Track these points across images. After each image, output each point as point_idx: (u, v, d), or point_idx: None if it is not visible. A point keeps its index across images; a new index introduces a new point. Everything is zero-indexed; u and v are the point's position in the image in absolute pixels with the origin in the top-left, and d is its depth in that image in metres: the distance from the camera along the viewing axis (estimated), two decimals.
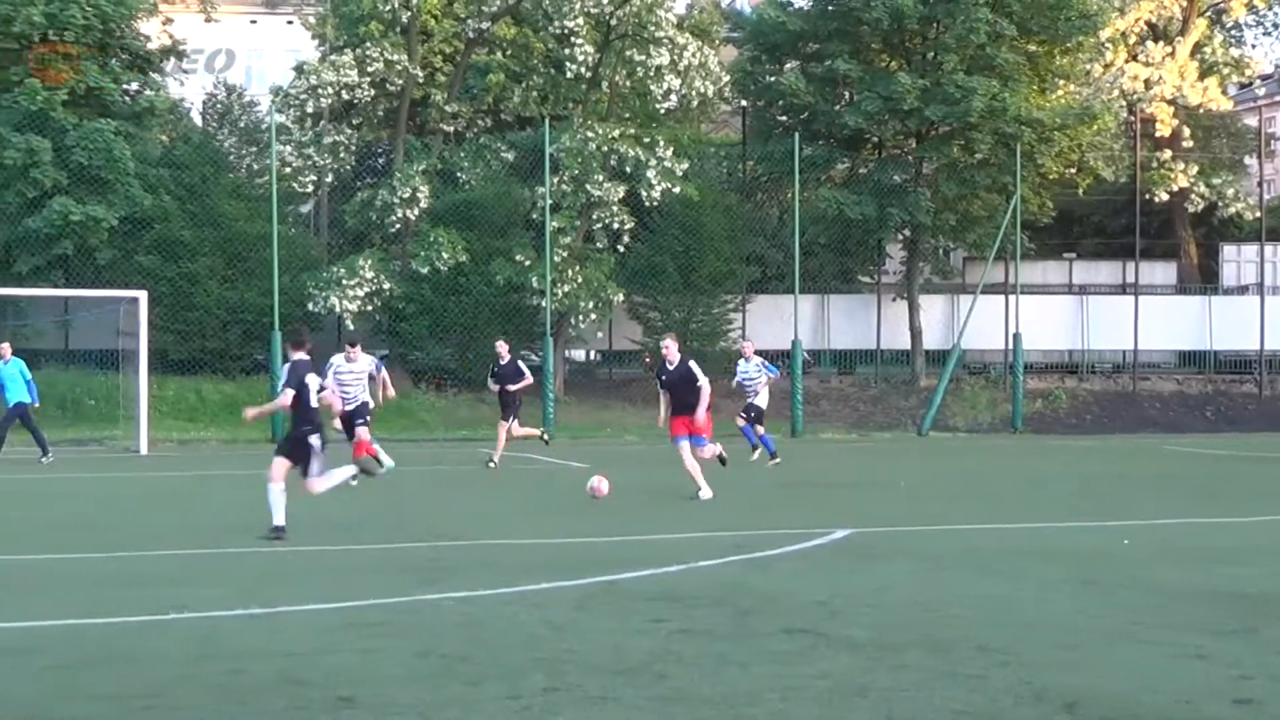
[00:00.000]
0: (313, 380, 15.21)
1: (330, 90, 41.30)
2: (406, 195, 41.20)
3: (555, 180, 40.34)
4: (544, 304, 39.51)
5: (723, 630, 9.73)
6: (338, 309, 39.94)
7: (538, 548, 14.50)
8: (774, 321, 44.35)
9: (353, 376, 22.50)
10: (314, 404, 15.20)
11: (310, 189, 44.38)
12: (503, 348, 26.79)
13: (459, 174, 43.52)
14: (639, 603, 10.86)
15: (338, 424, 22.72)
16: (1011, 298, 44.39)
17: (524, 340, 42.98)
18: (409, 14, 41.84)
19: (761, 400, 27.53)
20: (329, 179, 44.14)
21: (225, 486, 22.87)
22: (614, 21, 41.75)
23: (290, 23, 50.22)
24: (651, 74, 42.07)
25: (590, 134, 41.01)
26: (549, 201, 39.73)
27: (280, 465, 15.01)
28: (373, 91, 41.89)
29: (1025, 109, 43.34)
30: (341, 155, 42.71)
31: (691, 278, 43.71)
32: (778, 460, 26.91)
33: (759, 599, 11.03)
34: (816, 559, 13.67)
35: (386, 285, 40.82)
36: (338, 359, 22.49)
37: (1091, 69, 48.78)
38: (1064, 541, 15.26)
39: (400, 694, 7.79)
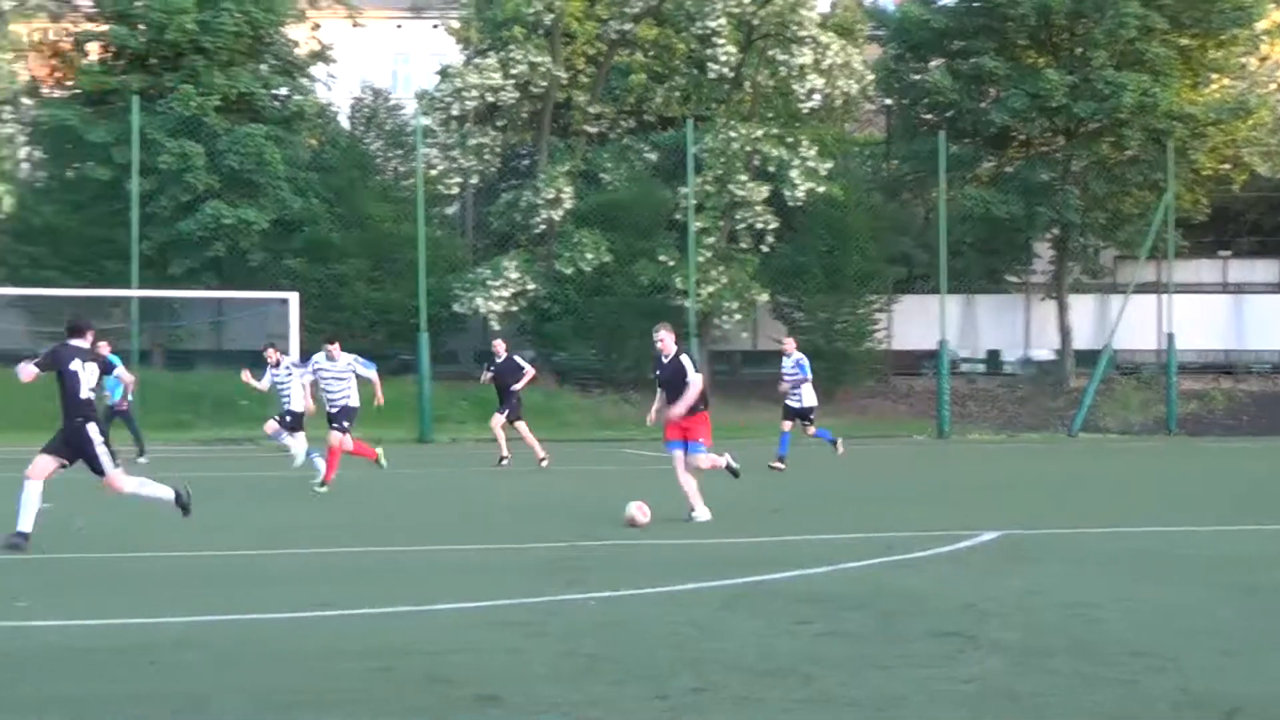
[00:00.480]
0: (83, 366, 13.44)
1: (475, 93, 41.66)
2: (550, 197, 41.43)
3: (698, 180, 40.31)
4: (688, 304, 39.48)
5: (869, 632, 9.61)
6: (482, 310, 40.27)
7: (681, 548, 14.44)
8: (920, 322, 43.99)
9: (333, 376, 21.25)
10: (85, 395, 13.44)
11: (455, 191, 44.83)
12: (499, 345, 26.35)
13: (602, 175, 43.68)
14: (785, 604, 10.75)
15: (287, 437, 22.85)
16: (1164, 297, 43.52)
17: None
18: (552, 17, 42.03)
19: (808, 400, 26.02)
20: (474, 181, 44.55)
21: (371, 485, 23.09)
22: (756, 21, 41.66)
23: (435, 27, 50.69)
24: (794, 73, 41.95)
25: (733, 134, 40.96)
26: (692, 202, 39.71)
27: (43, 462, 13.53)
28: (516, 94, 42.17)
29: (1177, 104, 42.55)
30: (486, 157, 43.05)
31: (836, 278, 43.49)
32: (781, 467, 25.18)
33: (906, 601, 10.87)
34: (964, 561, 13.46)
35: (531, 286, 41.09)
36: (318, 356, 21.56)
37: (1247, 62, 47.69)
38: (1221, 545, 14.87)
39: (545, 693, 7.77)
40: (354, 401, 21.17)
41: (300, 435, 23.48)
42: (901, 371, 46.88)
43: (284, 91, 44.50)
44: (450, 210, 49.43)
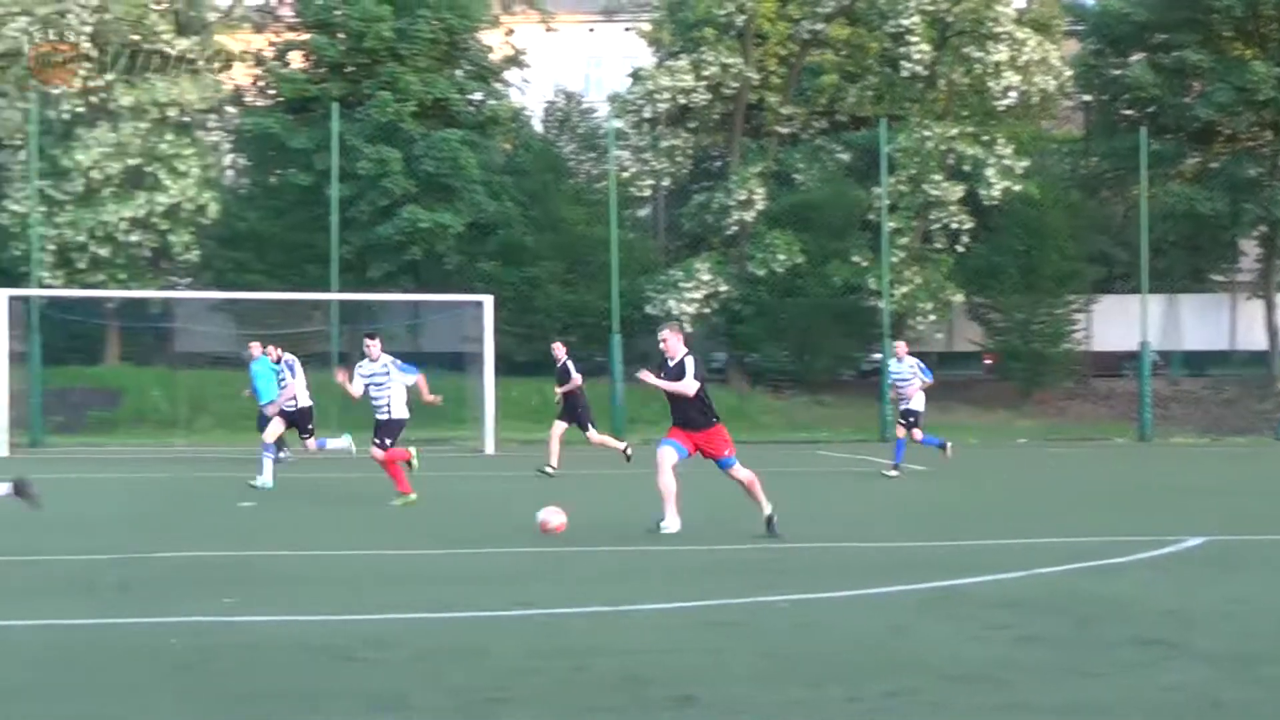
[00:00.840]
0: None
1: (666, 95, 41.79)
2: (742, 198, 41.44)
3: (892, 180, 39.97)
4: (881, 305, 39.15)
5: (1068, 638, 9.42)
6: (674, 311, 40.40)
7: (875, 551, 14.32)
8: (1120, 322, 43.09)
9: (374, 381, 18.84)
10: None
11: (647, 193, 45.01)
12: (558, 349, 24.85)
13: (794, 175, 43.55)
14: (979, 608, 10.60)
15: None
16: None
17: (862, 342, 42.78)
18: (743, 18, 42.01)
19: (916, 404, 24.67)
20: (666, 183, 44.69)
21: (567, 486, 23.28)
22: (950, 19, 41.24)
23: (627, 30, 50.99)
24: (990, 71, 41.40)
25: (927, 133, 40.59)
26: (886, 202, 39.38)
27: None
28: (708, 95, 42.21)
29: None
30: (678, 159, 43.20)
31: (1033, 278, 42.81)
32: (948, 452, 24.47)
33: (1105, 607, 10.65)
34: (1166, 567, 13.13)
35: (723, 288, 41.15)
36: (362, 360, 19.27)
37: None
38: None
39: (742, 694, 7.75)
40: (400, 409, 19.00)
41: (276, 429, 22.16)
42: (1101, 373, 45.94)
43: (478, 96, 45.06)
44: (642, 212, 49.67)
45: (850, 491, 22.03)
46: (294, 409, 22.28)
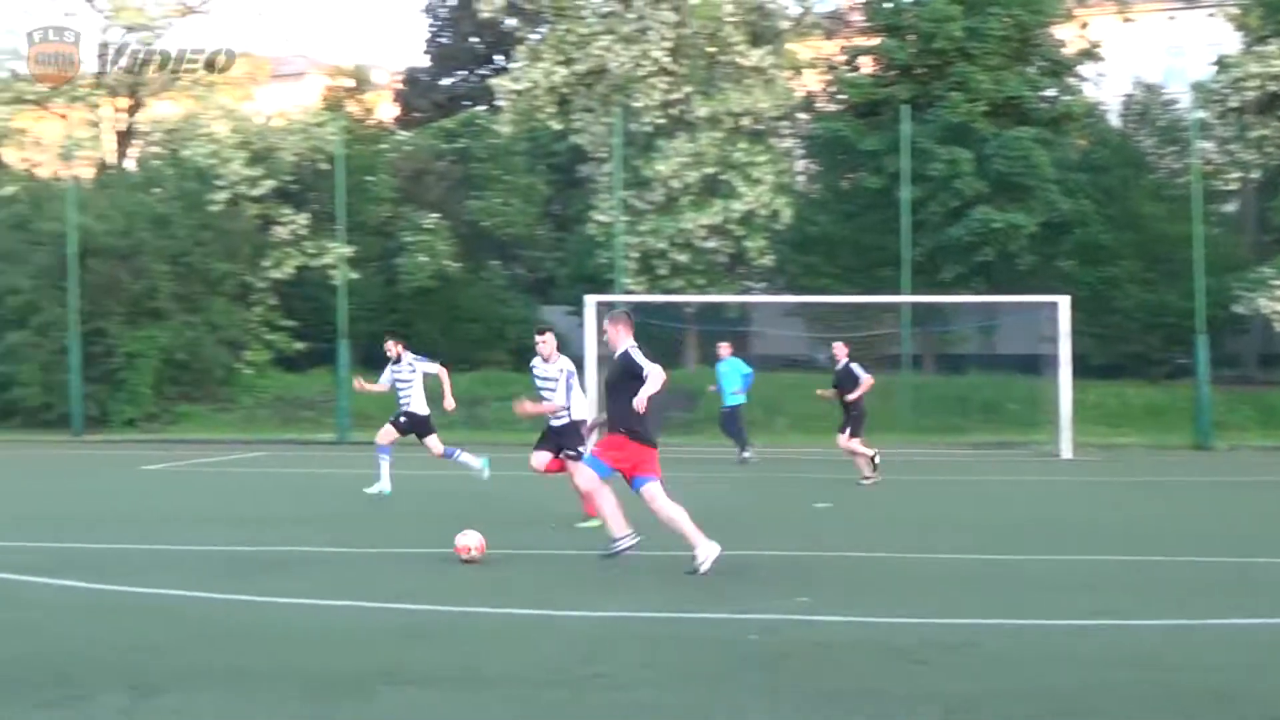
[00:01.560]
0: None
1: (1255, 82, 39.65)
2: None
3: None
4: None
5: None
6: (1264, 310, 38.34)
7: None
8: None
9: (548, 386, 16.65)
10: None
11: (1234, 186, 42.93)
12: (839, 349, 22.98)
13: None
14: None
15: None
16: None
17: None
18: None
19: None
20: (1255, 175, 42.42)
21: (1147, 493, 22.43)
22: None
23: (1211, 15, 48.70)
24: None
25: None
26: None
27: None
28: None
29: None
30: (1268, 150, 40.87)
31: None
32: None
33: None
34: None
35: None
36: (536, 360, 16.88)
37: None
38: None
39: None
40: (580, 413, 16.56)
41: (433, 438, 20.42)
42: None
43: (1052, 92, 44.15)
44: (1229, 207, 47.35)
45: None
46: (408, 417, 20.51)
